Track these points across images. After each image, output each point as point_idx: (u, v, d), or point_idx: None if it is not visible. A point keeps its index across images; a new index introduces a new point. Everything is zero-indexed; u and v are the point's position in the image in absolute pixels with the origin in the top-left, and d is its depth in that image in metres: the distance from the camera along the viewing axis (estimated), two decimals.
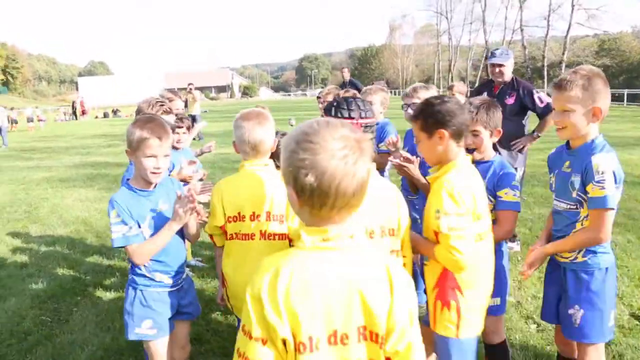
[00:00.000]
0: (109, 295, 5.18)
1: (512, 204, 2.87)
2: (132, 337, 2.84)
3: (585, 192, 2.53)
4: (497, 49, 5.99)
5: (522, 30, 69.35)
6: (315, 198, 1.41)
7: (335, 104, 2.37)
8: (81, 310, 4.87)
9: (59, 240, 7.26)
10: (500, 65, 5.84)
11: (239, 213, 2.76)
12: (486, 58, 75.45)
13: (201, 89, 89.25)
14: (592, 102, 2.50)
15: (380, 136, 4.52)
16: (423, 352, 1.53)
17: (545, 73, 63.56)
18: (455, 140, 2.47)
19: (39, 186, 11.90)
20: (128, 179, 2.86)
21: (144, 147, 2.68)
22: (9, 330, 4.53)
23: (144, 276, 2.80)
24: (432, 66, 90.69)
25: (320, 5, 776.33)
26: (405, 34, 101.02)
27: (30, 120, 35.89)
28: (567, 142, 2.74)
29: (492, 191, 2.88)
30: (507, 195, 2.86)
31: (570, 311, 2.71)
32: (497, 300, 2.89)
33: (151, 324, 2.81)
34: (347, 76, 13.15)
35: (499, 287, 2.86)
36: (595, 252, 2.65)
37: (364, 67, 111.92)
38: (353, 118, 2.28)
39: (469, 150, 2.98)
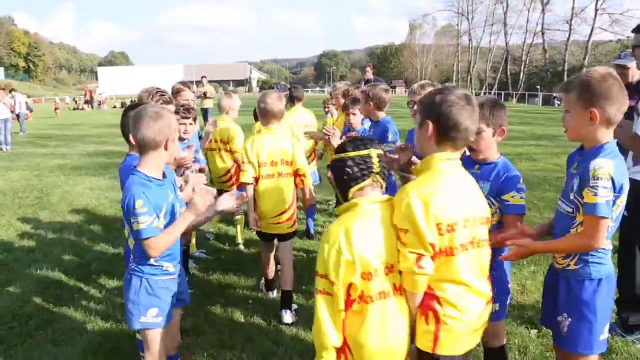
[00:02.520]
0: (112, 283, 5.22)
1: (519, 208, 2.81)
2: (137, 326, 2.83)
3: (582, 197, 2.45)
4: (623, 51, 5.82)
5: (543, 33, 68.72)
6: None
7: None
8: (83, 298, 4.90)
9: (67, 227, 7.32)
10: (624, 68, 5.64)
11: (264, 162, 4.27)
12: (506, 61, 75.55)
13: (219, 82, 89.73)
14: (590, 104, 2.39)
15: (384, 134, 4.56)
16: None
17: (565, 77, 62.88)
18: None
19: (52, 173, 12.03)
20: (135, 168, 2.74)
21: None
22: (11, 314, 4.58)
23: (152, 265, 2.77)
24: (452, 67, 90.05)
25: (341, 2, 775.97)
26: (425, 33, 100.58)
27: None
28: (582, 144, 2.65)
29: (496, 194, 2.81)
30: (514, 199, 2.78)
31: (559, 319, 2.63)
32: (497, 307, 2.84)
33: (157, 312, 2.80)
34: (370, 74, 12.39)
35: (500, 292, 2.81)
36: (587, 262, 2.52)
37: (383, 66, 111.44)
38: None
39: (470, 150, 2.94)
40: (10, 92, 24.81)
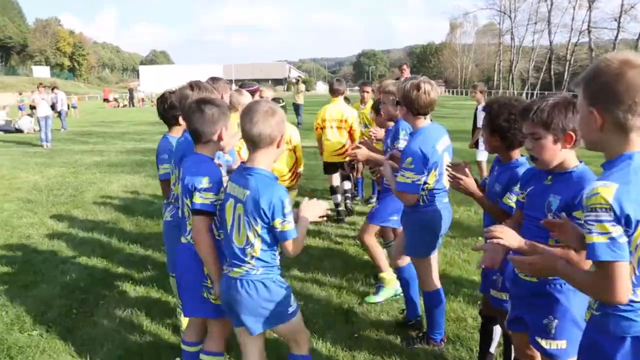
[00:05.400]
0: (138, 290, 4.96)
1: None
2: (288, 318, 2.75)
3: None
4: None
5: (589, 32, 66.49)
6: None
7: None
8: (107, 304, 4.66)
9: (98, 226, 7.15)
10: None
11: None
12: (549, 60, 73.48)
13: (258, 81, 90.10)
14: (588, 104, 1.82)
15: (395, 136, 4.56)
16: None
17: None
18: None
19: (88, 170, 12.01)
20: (251, 167, 2.63)
21: None
22: (32, 319, 4.36)
23: (276, 266, 2.73)
24: (493, 66, 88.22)
25: (380, 2, 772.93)
26: (466, 32, 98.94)
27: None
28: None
29: (566, 209, 2.30)
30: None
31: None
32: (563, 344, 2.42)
33: (293, 298, 2.80)
34: (407, 74, 12.11)
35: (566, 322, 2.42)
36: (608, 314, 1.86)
37: (423, 65, 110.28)
38: None
39: (533, 159, 2.52)
40: (53, 89, 25.26)
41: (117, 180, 10.60)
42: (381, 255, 4.71)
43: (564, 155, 2.39)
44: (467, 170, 3.09)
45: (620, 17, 61.42)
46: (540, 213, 2.41)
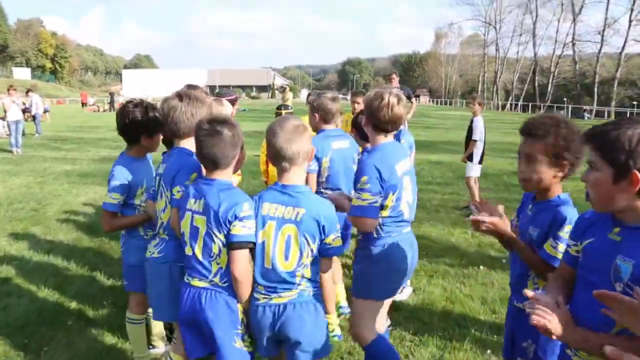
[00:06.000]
0: (92, 332, 4.23)
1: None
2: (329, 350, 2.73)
3: None
4: None
5: (574, 44, 66.92)
6: None
7: None
8: (52, 351, 3.92)
9: (56, 248, 6.40)
10: None
11: None
12: (534, 72, 73.75)
13: (242, 87, 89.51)
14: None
15: None
16: None
17: (596, 90, 61.07)
18: None
19: (56, 180, 11.21)
20: (288, 186, 2.56)
21: None
22: None
23: None
24: (477, 77, 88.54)
25: (365, 10, 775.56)
26: (451, 42, 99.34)
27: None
28: None
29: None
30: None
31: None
32: None
33: None
34: (395, 83, 11.43)
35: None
36: None
37: (407, 75, 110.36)
38: None
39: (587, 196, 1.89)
40: (27, 92, 24.30)
41: (85, 193, 9.82)
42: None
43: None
44: (500, 208, 2.42)
45: (604, 30, 61.88)
46: (602, 279, 1.79)
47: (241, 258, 2.46)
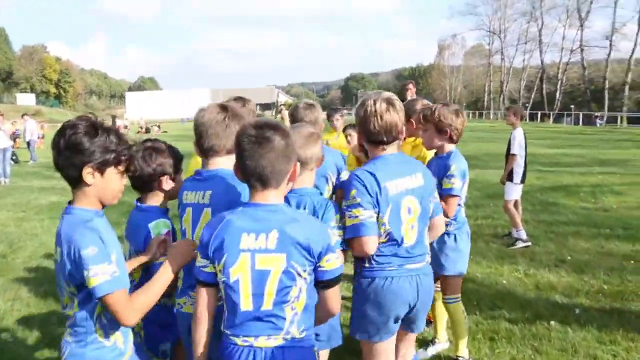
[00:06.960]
0: None
1: None
2: None
3: None
4: None
5: (582, 50, 65.85)
6: None
7: None
8: None
9: (12, 310, 5.15)
10: None
11: None
12: (541, 80, 72.56)
13: None
14: None
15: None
16: None
17: (606, 96, 59.79)
18: None
19: (38, 215, 10.00)
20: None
21: None
22: None
23: None
24: (482, 87, 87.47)
25: (368, 27, 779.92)
26: (454, 53, 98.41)
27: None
28: None
29: None
30: None
31: None
32: None
33: None
34: (412, 94, 10.06)
35: None
36: None
37: None
38: None
39: None
40: (23, 116, 23.32)
41: None
42: None
43: None
44: None
45: (612, 35, 60.87)
46: None
47: (334, 296, 2.21)
